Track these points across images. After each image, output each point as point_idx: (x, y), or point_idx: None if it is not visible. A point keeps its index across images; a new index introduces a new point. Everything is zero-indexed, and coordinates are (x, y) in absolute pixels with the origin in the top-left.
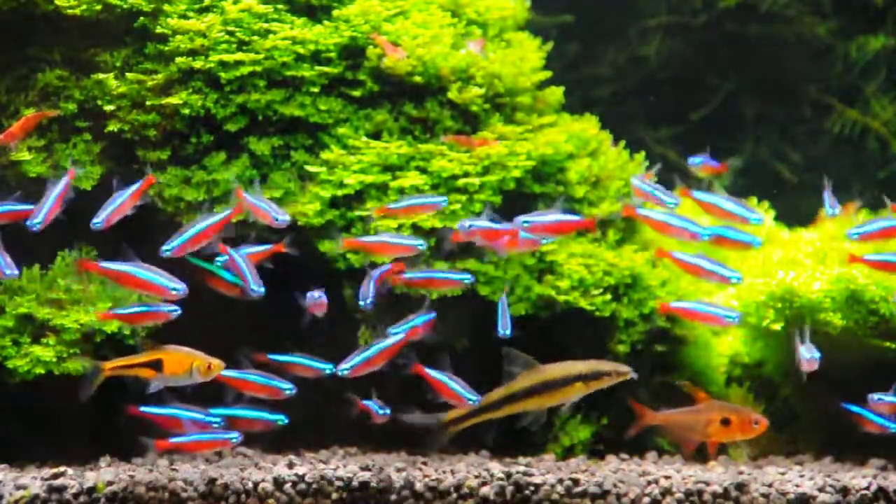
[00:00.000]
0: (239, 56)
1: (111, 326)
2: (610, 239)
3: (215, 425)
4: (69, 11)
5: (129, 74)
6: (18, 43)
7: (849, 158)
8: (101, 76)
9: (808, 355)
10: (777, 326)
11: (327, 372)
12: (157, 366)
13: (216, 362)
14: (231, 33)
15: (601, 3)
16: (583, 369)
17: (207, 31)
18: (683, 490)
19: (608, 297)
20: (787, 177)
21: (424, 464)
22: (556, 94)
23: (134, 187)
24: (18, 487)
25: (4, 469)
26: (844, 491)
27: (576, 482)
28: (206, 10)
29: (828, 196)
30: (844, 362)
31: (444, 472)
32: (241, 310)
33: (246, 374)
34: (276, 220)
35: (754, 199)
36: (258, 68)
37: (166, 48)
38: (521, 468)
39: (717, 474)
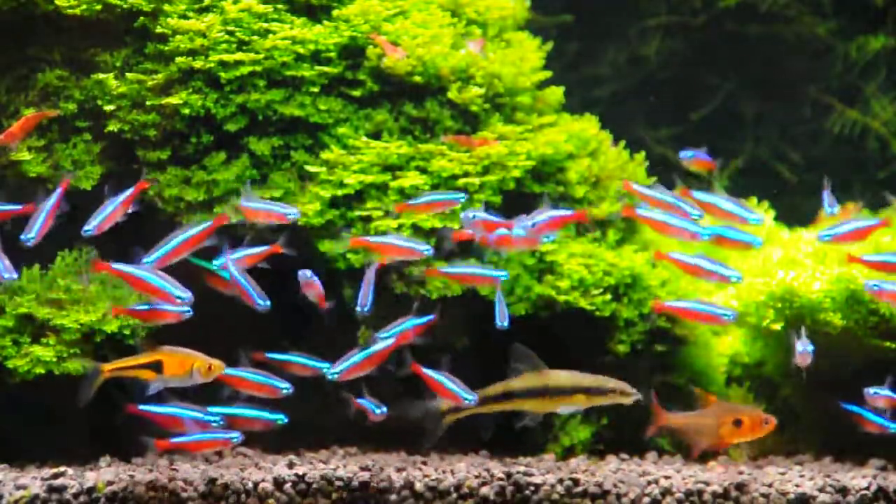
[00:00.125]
0: (239, 56)
1: (111, 326)
2: (610, 239)
3: (215, 425)
4: (69, 11)
5: (129, 74)
6: (18, 43)
7: (849, 158)
8: (101, 76)
9: (801, 349)
10: (777, 326)
11: (325, 371)
12: (156, 367)
13: (216, 363)
14: (231, 33)
15: (601, 3)
16: (588, 382)
17: (207, 31)
18: (683, 490)
19: (608, 297)
20: (787, 177)
21: (424, 464)
22: (556, 94)
23: (125, 194)
24: (18, 487)
25: (4, 469)
26: (844, 491)
27: (576, 482)
28: (206, 10)
29: (826, 196)
30: (844, 362)
31: (444, 472)
32: (240, 309)
33: (243, 373)
34: (288, 216)
35: (754, 199)
36: (258, 68)
37: (166, 48)
38: (521, 468)
39: (717, 474)
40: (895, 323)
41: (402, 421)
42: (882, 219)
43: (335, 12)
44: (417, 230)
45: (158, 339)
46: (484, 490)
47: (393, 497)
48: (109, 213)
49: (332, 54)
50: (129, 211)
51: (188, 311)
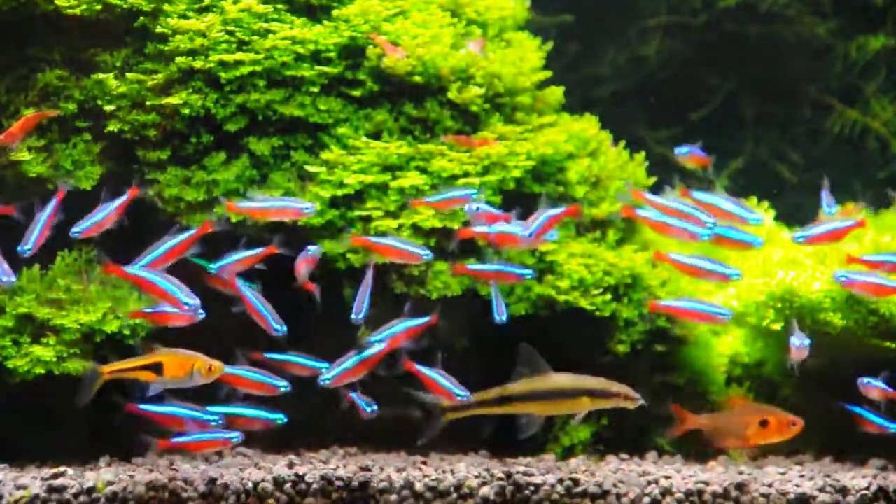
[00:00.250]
0: (239, 56)
1: (111, 326)
2: (610, 239)
3: (214, 424)
4: (69, 11)
5: (129, 74)
6: (18, 43)
7: (849, 158)
8: (101, 76)
9: (797, 342)
10: (777, 326)
11: (322, 371)
12: (157, 368)
13: (217, 364)
14: (231, 33)
15: (601, 3)
16: (593, 385)
17: (207, 31)
18: (683, 490)
19: (608, 296)
20: (787, 177)
21: (424, 464)
22: (556, 94)
23: (118, 201)
24: (18, 487)
25: (4, 469)
26: (844, 491)
27: (576, 482)
28: (206, 9)
29: (825, 195)
30: (844, 362)
31: (444, 472)
32: (239, 308)
33: (240, 371)
34: (304, 210)
35: (754, 199)
36: (258, 68)
37: (166, 48)
38: (521, 468)
39: (717, 474)
40: (895, 323)
41: (402, 420)
42: (857, 220)
43: (335, 12)
44: (417, 230)
45: (158, 339)
46: (484, 490)
47: (393, 497)
48: (100, 219)
49: (332, 54)
50: (120, 219)
51: (201, 314)
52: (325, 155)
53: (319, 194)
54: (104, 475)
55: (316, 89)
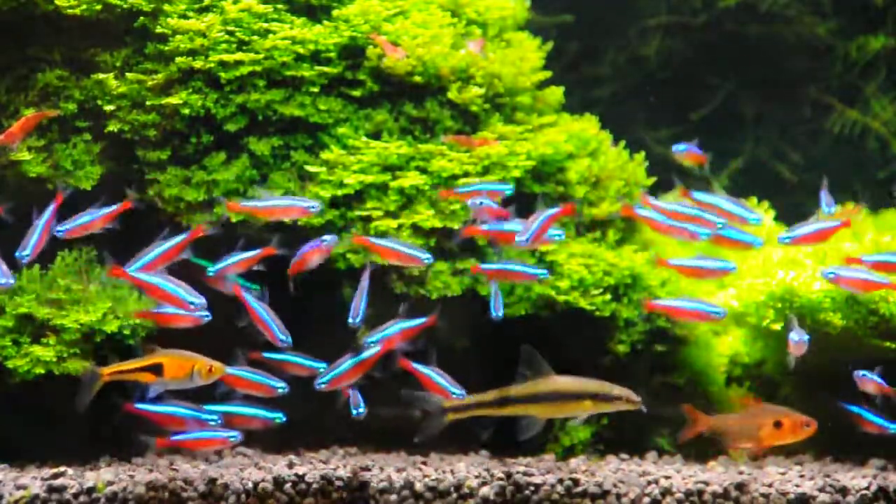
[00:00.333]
0: (239, 56)
1: (111, 326)
2: (610, 239)
3: (213, 423)
4: (69, 11)
5: (129, 74)
6: (18, 43)
7: (849, 158)
8: (101, 76)
9: (796, 338)
10: (777, 326)
11: (320, 371)
12: (156, 370)
13: (217, 365)
14: (231, 33)
15: (601, 3)
16: (595, 388)
17: (207, 31)
18: (683, 490)
19: (608, 297)
20: (787, 177)
21: (424, 464)
22: (556, 94)
23: (109, 208)
24: (18, 487)
25: (4, 469)
26: (844, 491)
27: (576, 482)
28: (206, 9)
29: (824, 194)
30: (844, 362)
31: (444, 472)
32: (238, 307)
33: (240, 372)
34: (310, 209)
35: (754, 199)
36: (258, 68)
37: (166, 48)
38: (521, 468)
39: (717, 474)
40: (895, 323)
41: (402, 420)
42: (842, 221)
43: (335, 12)
44: (417, 230)
45: (157, 339)
46: (484, 490)
47: (393, 497)
48: (86, 222)
49: (332, 54)
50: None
51: (207, 316)
52: (325, 155)
53: (319, 194)
54: (104, 475)
55: (316, 89)
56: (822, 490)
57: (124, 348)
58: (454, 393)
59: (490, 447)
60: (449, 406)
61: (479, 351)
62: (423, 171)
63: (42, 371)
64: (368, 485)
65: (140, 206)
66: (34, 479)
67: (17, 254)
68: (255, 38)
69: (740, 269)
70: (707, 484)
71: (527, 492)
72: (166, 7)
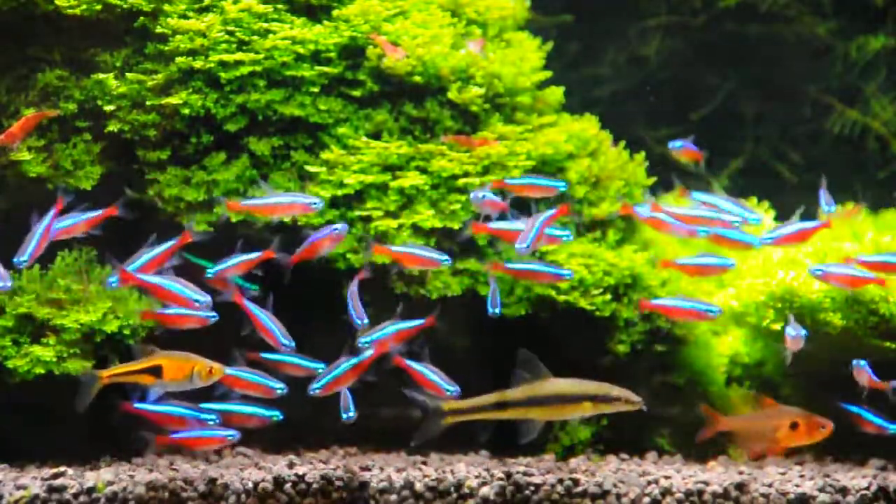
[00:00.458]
0: (239, 56)
1: (111, 326)
2: (610, 239)
3: (211, 422)
4: (69, 11)
5: (129, 74)
6: (18, 43)
7: (849, 158)
8: (101, 76)
9: (793, 333)
10: (777, 326)
11: (317, 372)
12: (156, 372)
13: (217, 366)
14: (231, 33)
15: (601, 3)
16: (594, 389)
17: (207, 31)
18: (683, 490)
19: (608, 297)
20: (787, 177)
21: (424, 464)
22: (556, 94)
23: (91, 213)
24: (18, 487)
25: (4, 469)
26: (844, 491)
27: (576, 482)
28: (206, 9)
29: (823, 194)
30: (844, 362)
31: (444, 472)
32: (237, 307)
33: (238, 372)
34: (312, 206)
35: (754, 199)
36: (258, 68)
37: (166, 48)
38: (521, 468)
39: (717, 474)
40: (895, 323)
41: (402, 420)
42: (823, 221)
43: (335, 12)
44: (417, 230)
45: (156, 340)
46: (484, 490)
47: (393, 497)
48: (68, 225)
49: (332, 54)
50: (91, 231)
51: (214, 316)
52: (325, 155)
53: (319, 194)
54: (104, 475)
55: (316, 89)
56: (822, 490)
57: (124, 348)
58: (448, 390)
59: (490, 447)
60: (448, 409)
61: (480, 351)
62: (424, 171)
63: (42, 371)
64: (368, 485)
65: (127, 214)
66: (34, 479)
67: (14, 259)
68: (255, 38)
69: (740, 269)
70: (707, 484)
71: (527, 492)
72: (166, 7)
